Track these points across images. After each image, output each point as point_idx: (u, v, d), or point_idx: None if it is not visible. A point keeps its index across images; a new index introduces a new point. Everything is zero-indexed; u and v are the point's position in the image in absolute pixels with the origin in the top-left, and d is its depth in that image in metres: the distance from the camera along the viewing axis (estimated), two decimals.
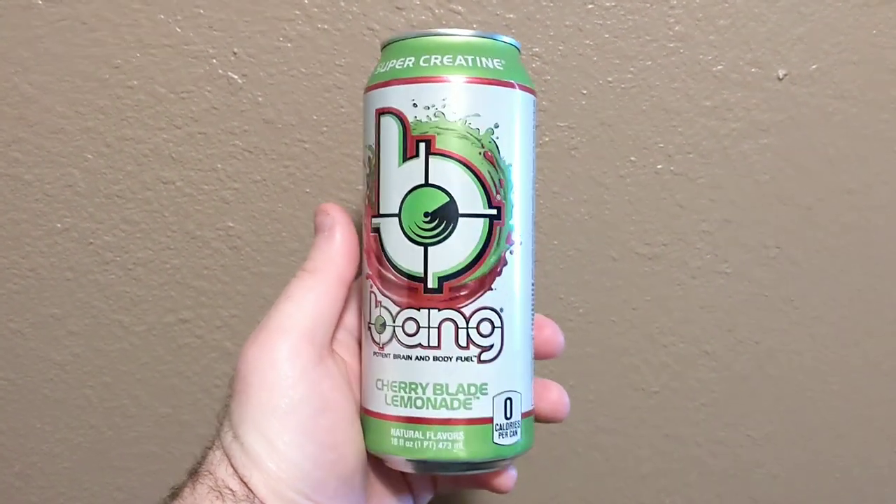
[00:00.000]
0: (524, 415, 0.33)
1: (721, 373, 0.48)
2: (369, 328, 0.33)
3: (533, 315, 0.34)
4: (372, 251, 0.33)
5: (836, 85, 0.46)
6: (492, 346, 0.32)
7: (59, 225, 0.46)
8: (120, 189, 0.45)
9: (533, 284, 0.34)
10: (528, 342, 0.34)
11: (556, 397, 0.35)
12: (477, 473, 0.34)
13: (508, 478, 0.35)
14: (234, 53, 0.45)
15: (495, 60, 0.32)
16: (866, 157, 0.47)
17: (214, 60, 0.45)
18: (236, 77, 0.45)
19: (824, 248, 0.48)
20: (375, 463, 0.34)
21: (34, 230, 0.45)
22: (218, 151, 0.45)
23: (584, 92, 0.46)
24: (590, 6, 0.45)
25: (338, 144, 0.45)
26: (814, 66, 0.46)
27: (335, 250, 0.33)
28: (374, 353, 0.33)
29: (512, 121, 0.32)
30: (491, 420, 0.32)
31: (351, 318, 0.35)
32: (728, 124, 0.46)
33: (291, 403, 0.31)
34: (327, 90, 0.45)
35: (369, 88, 0.33)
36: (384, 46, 0.34)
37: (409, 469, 0.33)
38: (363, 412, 0.34)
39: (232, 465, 0.31)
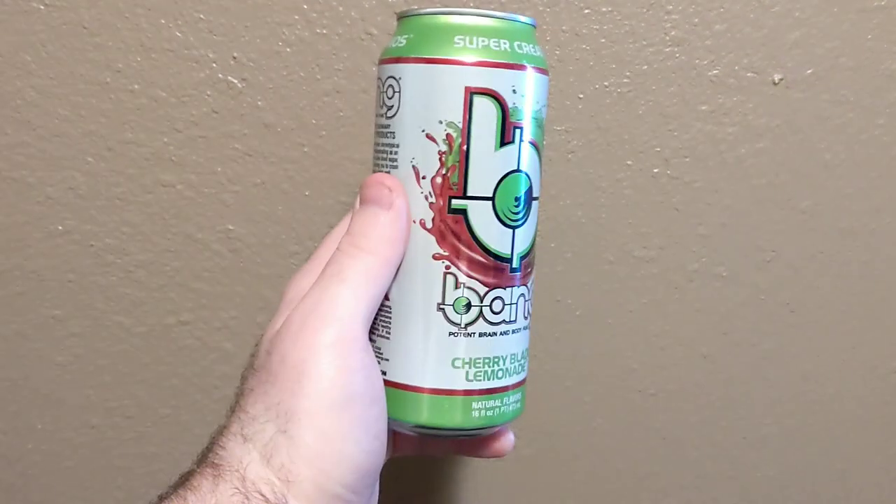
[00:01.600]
0: None
1: (717, 375, 0.48)
2: (442, 309, 0.33)
3: None
4: (451, 232, 0.33)
5: (831, 89, 0.47)
6: (531, 313, 0.35)
7: (60, 227, 0.46)
8: (121, 192, 0.46)
9: None
10: None
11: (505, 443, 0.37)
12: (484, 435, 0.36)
13: (509, 441, 0.37)
14: (234, 58, 0.45)
15: (543, 49, 0.34)
16: (862, 161, 0.47)
17: (215, 65, 0.45)
18: (236, 81, 0.45)
19: (820, 251, 0.48)
20: None
21: (36, 232, 0.46)
22: (218, 155, 0.46)
23: (581, 96, 0.46)
24: (586, 11, 0.46)
25: (337, 148, 0.46)
26: (809, 71, 0.47)
27: (399, 232, 0.31)
28: (452, 334, 0.33)
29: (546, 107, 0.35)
30: (525, 378, 0.36)
31: None
32: (724, 128, 0.47)
33: (350, 395, 0.29)
34: (326, 94, 0.45)
35: (449, 61, 0.32)
36: (463, 17, 0.32)
37: (466, 436, 0.35)
38: (422, 392, 0.33)
39: (270, 465, 0.28)
